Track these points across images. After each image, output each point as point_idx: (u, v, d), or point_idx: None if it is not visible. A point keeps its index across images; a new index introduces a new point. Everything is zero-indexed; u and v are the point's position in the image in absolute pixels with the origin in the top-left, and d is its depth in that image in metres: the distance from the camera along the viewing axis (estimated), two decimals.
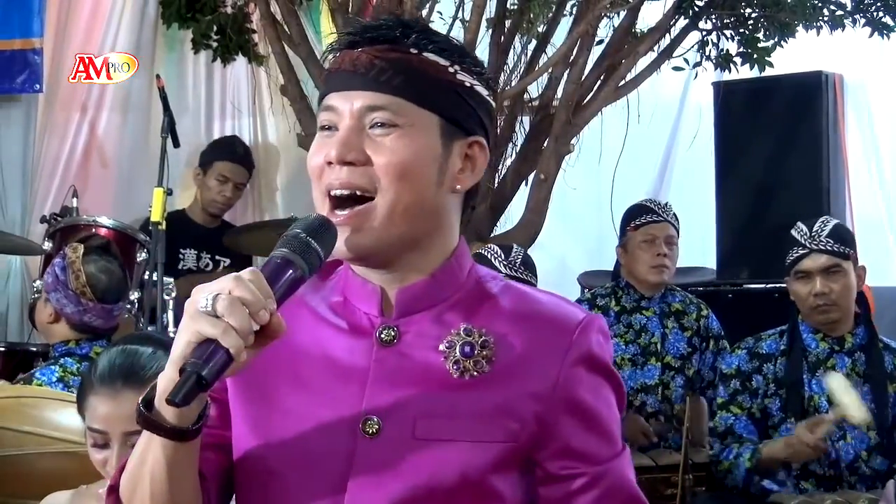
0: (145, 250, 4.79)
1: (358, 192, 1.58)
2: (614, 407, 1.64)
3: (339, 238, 1.57)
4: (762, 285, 5.71)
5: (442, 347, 1.59)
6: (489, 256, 3.88)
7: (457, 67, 1.63)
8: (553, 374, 1.58)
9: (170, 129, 4.79)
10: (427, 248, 1.62)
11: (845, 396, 3.80)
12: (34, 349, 4.71)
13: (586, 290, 5.67)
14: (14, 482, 3.01)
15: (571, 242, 6.78)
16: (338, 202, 1.59)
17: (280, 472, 1.59)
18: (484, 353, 1.58)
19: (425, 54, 1.62)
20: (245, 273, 1.46)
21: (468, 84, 1.64)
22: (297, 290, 1.54)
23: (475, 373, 1.58)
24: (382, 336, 1.61)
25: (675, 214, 4.77)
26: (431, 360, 1.59)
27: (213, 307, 1.42)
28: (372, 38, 1.62)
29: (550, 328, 1.61)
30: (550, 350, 1.59)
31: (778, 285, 4.16)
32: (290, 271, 1.50)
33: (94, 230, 4.84)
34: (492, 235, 5.18)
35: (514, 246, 4.08)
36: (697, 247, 6.44)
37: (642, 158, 6.56)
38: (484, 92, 1.66)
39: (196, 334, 1.42)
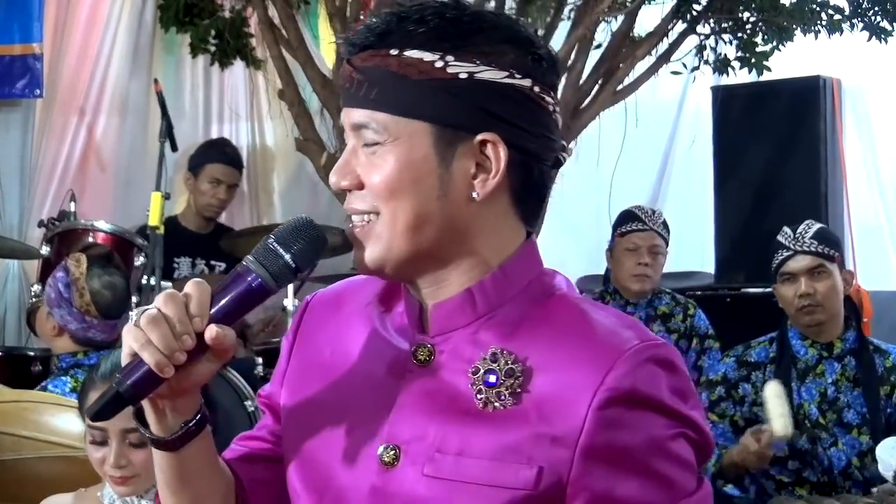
0: (143, 255, 4.79)
1: (365, 218, 1.45)
2: (674, 447, 1.39)
3: (354, 253, 1.49)
4: (760, 289, 5.71)
5: (470, 373, 1.42)
6: None
7: (450, 58, 1.41)
8: (580, 415, 1.36)
9: (168, 133, 4.79)
10: (457, 261, 1.45)
11: (773, 407, 3.79)
12: (32, 353, 4.70)
13: (586, 294, 5.68)
14: (12, 486, 3.01)
15: (570, 247, 6.78)
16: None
17: (302, 492, 1.52)
18: (508, 383, 1.39)
19: (407, 53, 1.41)
20: (188, 286, 1.43)
21: (464, 76, 1.41)
22: (342, 296, 1.55)
23: (497, 405, 1.40)
24: (417, 354, 1.46)
25: (664, 223, 4.77)
26: (461, 385, 1.42)
27: (139, 321, 1.40)
28: (356, 43, 1.45)
29: (590, 358, 1.38)
30: (583, 385, 1.37)
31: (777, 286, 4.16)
32: (247, 283, 1.44)
33: (91, 235, 4.83)
34: None
35: None
36: (696, 251, 6.45)
37: (640, 162, 6.57)
38: (496, 76, 1.42)
39: (127, 346, 1.41)
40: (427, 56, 1.41)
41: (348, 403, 1.50)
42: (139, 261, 4.80)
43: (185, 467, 1.52)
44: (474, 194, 1.43)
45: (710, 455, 1.45)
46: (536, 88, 1.45)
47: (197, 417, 1.49)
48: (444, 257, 1.45)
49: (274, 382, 1.62)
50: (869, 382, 3.97)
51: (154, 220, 4.51)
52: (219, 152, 5.82)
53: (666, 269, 4.95)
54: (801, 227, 4.07)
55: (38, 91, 5.83)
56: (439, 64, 1.41)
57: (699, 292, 5.80)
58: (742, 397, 4.05)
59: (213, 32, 5.73)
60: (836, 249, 4.05)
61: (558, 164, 1.50)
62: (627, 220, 4.74)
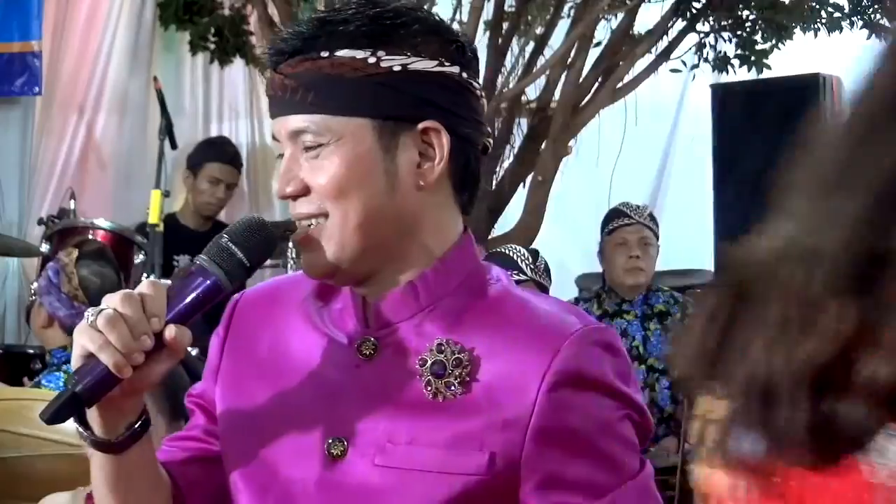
0: (142, 252, 4.79)
1: (313, 222, 1.47)
2: (619, 428, 1.42)
3: (302, 257, 1.50)
4: None
5: (417, 365, 1.44)
6: (516, 258, 3.91)
7: (381, 53, 1.43)
8: (530, 398, 1.39)
9: (167, 131, 4.80)
10: (404, 255, 1.48)
11: None
12: (31, 351, 4.70)
13: (578, 294, 5.70)
14: (12, 484, 3.01)
15: (569, 245, 6.78)
16: None
17: (244, 489, 1.51)
18: (456, 372, 1.41)
19: (338, 53, 1.43)
20: (143, 286, 1.43)
21: (398, 68, 1.43)
22: (286, 295, 1.56)
23: (447, 395, 1.42)
24: (362, 349, 1.48)
25: (650, 215, 4.81)
26: (408, 377, 1.44)
27: (95, 321, 1.37)
28: (284, 51, 1.47)
29: (536, 343, 1.41)
30: (531, 370, 1.40)
31: None
32: (203, 281, 1.44)
33: (91, 233, 4.84)
34: (489, 238, 5.19)
35: (538, 251, 4.12)
36: (695, 249, 6.45)
37: (640, 160, 6.57)
38: (427, 65, 1.44)
39: (81, 347, 1.39)
40: (359, 54, 1.43)
41: (290, 399, 1.50)
42: (139, 258, 4.80)
43: (127, 471, 1.50)
44: (421, 183, 1.46)
45: (650, 436, 1.49)
46: (464, 75, 1.48)
47: (142, 419, 1.48)
48: (394, 251, 1.47)
49: (206, 380, 1.61)
50: None
51: (153, 217, 4.52)
52: (218, 151, 5.80)
53: (665, 267, 4.96)
54: None
55: (37, 89, 5.82)
56: (372, 60, 1.43)
57: (699, 290, 5.80)
58: None
59: (212, 30, 5.74)
60: None
61: (486, 150, 1.53)
62: (614, 217, 4.77)
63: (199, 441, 1.60)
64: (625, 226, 4.71)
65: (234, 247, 1.46)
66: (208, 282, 1.44)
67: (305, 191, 1.47)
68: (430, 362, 1.43)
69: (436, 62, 1.45)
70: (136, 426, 1.47)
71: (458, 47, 1.48)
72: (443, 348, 1.43)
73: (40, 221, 5.24)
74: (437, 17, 1.52)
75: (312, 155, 1.45)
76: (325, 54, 1.44)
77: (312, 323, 1.54)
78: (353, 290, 1.51)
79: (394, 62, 1.43)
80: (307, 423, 1.48)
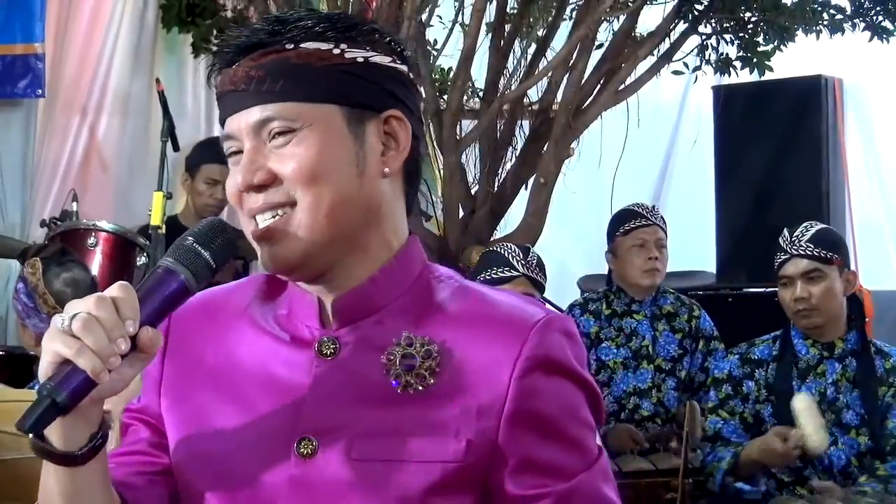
0: (145, 255, 4.79)
1: (279, 212, 1.46)
2: (583, 412, 1.48)
3: (262, 252, 1.48)
4: (762, 289, 5.71)
5: (384, 360, 1.46)
6: (507, 255, 3.90)
7: (343, 46, 1.48)
8: (503, 385, 1.44)
9: (170, 133, 4.79)
10: (365, 247, 1.50)
11: (808, 421, 3.78)
12: (33, 353, 4.70)
13: (586, 294, 5.69)
14: (13, 485, 3.01)
15: (571, 246, 6.79)
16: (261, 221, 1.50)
17: (211, 497, 1.50)
18: (427, 364, 1.45)
19: (303, 45, 1.47)
20: (113, 289, 1.39)
21: (361, 59, 1.48)
22: (235, 301, 1.57)
23: (419, 387, 1.44)
24: (322, 349, 1.49)
25: (662, 217, 4.80)
26: (374, 373, 1.46)
27: (69, 326, 1.35)
28: (245, 46, 1.49)
29: (503, 333, 1.46)
30: (501, 358, 1.44)
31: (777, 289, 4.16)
32: (172, 283, 1.43)
33: (93, 234, 4.84)
34: (491, 239, 5.18)
35: (530, 247, 4.10)
36: (697, 251, 6.45)
37: (642, 162, 6.57)
38: (384, 60, 1.50)
39: (54, 354, 1.36)
40: (323, 46, 1.48)
41: (249, 406, 1.50)
42: (141, 260, 4.80)
43: (85, 485, 1.46)
44: (386, 170, 1.50)
45: (602, 420, 1.54)
46: (412, 76, 1.55)
47: (102, 430, 1.45)
48: (359, 241, 1.49)
49: (148, 394, 1.60)
50: (867, 384, 3.97)
51: (156, 219, 4.51)
52: (214, 152, 5.76)
53: (667, 269, 4.95)
54: (799, 229, 4.06)
55: (39, 91, 5.83)
56: (336, 51, 1.48)
57: (701, 292, 5.80)
58: (746, 395, 4.05)
59: (214, 32, 5.73)
60: (834, 251, 4.02)
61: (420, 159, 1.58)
62: (629, 217, 4.74)
63: (144, 455, 1.58)
64: (643, 226, 4.68)
65: (199, 248, 1.45)
66: (176, 283, 1.44)
67: (272, 180, 1.47)
68: (399, 356, 1.46)
69: (391, 59, 1.51)
70: (99, 437, 1.44)
71: (402, 51, 1.54)
72: (411, 341, 1.46)
73: (43, 223, 5.23)
74: (383, 26, 1.59)
75: (281, 143, 1.46)
76: (290, 46, 1.47)
77: (261, 328, 1.54)
78: (307, 290, 1.52)
79: (357, 54, 1.48)
80: (270, 427, 1.48)
